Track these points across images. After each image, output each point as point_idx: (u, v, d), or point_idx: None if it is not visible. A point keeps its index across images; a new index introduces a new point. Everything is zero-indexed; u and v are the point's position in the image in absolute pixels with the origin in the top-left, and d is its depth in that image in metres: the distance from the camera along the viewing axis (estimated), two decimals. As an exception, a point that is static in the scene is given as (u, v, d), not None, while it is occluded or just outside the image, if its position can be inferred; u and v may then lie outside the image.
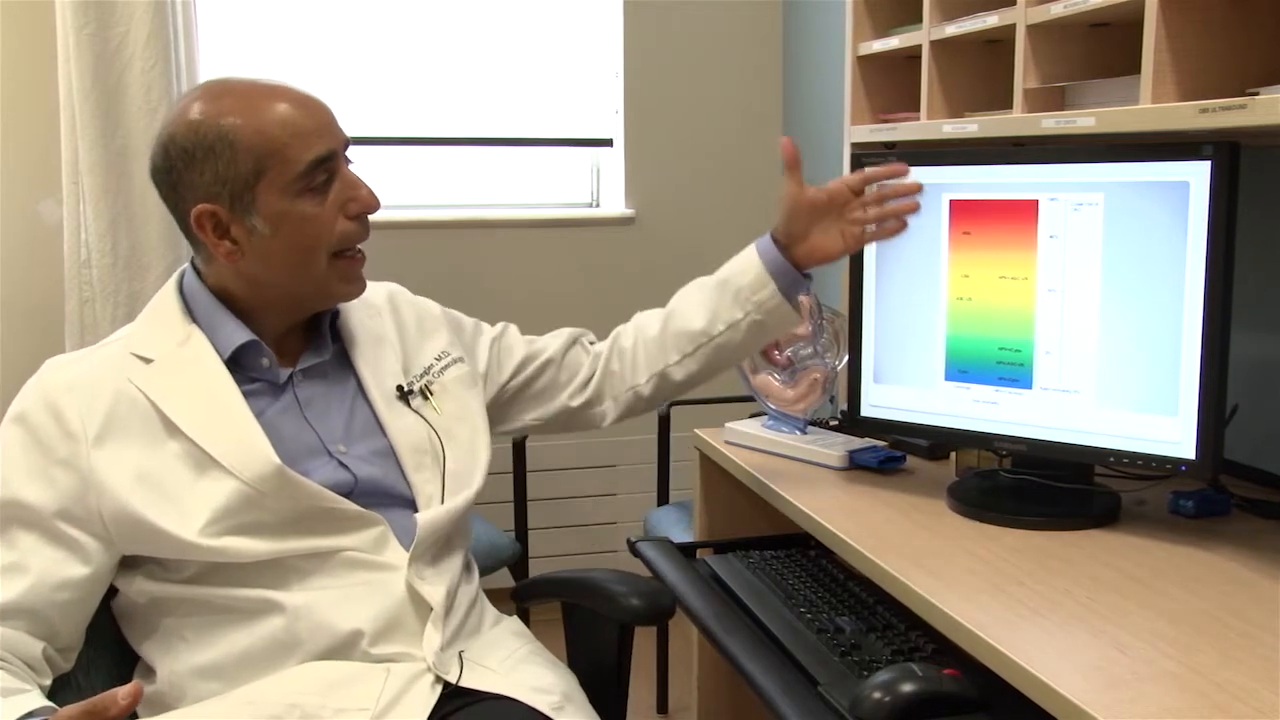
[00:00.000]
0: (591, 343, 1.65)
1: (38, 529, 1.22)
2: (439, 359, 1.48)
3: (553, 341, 1.61)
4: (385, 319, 1.47)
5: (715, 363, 1.58)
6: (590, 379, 1.60)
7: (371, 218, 1.35)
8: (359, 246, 1.36)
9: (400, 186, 3.08)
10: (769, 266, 1.51)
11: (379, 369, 1.41)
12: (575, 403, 1.60)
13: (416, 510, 1.35)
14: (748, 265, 1.53)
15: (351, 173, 1.33)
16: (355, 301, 1.45)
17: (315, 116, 1.30)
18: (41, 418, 1.25)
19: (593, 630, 1.52)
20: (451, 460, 1.40)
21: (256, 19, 2.90)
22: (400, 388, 1.41)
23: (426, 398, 1.43)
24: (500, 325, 1.61)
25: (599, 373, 1.60)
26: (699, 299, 1.57)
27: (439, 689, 1.26)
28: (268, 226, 1.28)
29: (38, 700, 1.16)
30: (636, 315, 1.64)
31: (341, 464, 1.33)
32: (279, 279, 1.32)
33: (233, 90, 1.29)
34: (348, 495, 1.30)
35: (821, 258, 1.52)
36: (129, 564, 1.28)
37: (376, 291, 1.50)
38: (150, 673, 1.29)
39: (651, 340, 1.59)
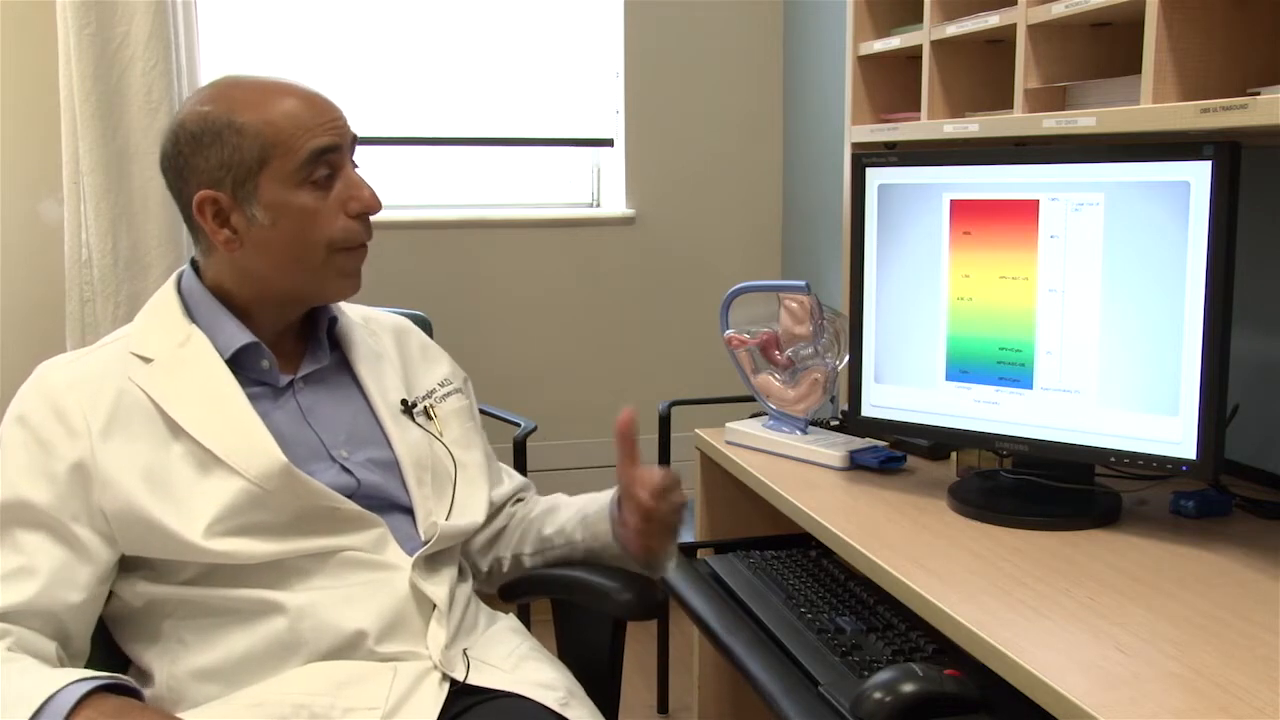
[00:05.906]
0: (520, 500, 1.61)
1: (43, 528, 1.22)
2: (441, 385, 1.50)
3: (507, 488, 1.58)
4: (385, 340, 1.49)
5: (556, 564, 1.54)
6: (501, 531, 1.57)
7: (373, 217, 1.35)
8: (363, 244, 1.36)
9: (401, 186, 3.08)
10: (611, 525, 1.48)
11: (382, 383, 1.42)
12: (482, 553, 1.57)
13: (414, 520, 1.35)
14: (602, 507, 1.50)
15: (356, 173, 1.34)
16: (356, 319, 1.46)
17: (322, 111, 1.31)
18: (43, 417, 1.24)
19: (586, 627, 1.52)
20: (463, 483, 1.42)
21: (257, 19, 2.89)
22: (405, 401, 1.42)
23: (430, 418, 1.44)
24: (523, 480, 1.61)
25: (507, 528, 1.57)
26: (563, 514, 1.54)
27: (446, 687, 1.26)
28: (267, 216, 1.28)
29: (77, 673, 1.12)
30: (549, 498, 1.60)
31: (344, 468, 1.33)
32: (275, 272, 1.32)
33: (243, 84, 1.32)
34: (349, 498, 1.30)
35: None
36: (126, 566, 1.27)
37: (384, 318, 1.53)
38: (146, 676, 1.28)
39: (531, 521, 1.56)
